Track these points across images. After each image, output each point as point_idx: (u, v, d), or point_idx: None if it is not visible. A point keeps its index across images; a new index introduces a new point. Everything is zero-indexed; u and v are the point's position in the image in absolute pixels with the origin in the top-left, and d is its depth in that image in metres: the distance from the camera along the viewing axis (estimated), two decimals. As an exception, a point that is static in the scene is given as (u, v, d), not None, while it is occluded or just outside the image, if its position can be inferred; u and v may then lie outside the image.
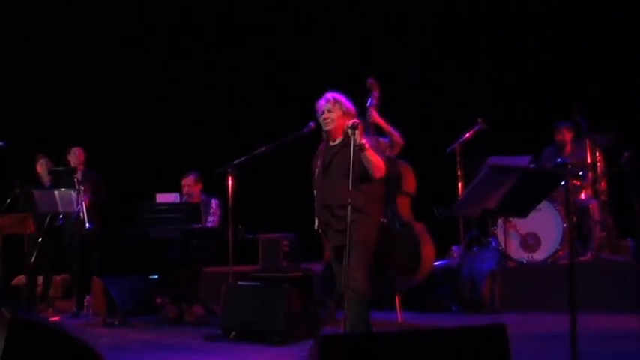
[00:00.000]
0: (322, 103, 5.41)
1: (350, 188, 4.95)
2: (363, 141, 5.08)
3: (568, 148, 8.38)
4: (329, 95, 5.42)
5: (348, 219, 4.94)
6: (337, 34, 10.58)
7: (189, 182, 8.23)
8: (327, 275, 6.89)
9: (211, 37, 11.24)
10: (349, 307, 5.06)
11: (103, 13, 11.00)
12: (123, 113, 10.96)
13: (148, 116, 11.05)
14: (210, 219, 8.04)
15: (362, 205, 5.18)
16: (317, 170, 5.49)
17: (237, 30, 11.20)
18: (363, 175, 5.17)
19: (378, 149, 5.37)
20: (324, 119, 5.41)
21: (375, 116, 6.77)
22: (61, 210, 8.21)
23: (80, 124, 10.46)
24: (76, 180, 8.18)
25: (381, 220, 5.70)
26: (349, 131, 5.08)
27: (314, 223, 5.65)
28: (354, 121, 5.12)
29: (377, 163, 5.16)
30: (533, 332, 6.20)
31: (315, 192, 5.58)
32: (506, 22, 9.97)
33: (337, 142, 5.45)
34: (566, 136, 8.39)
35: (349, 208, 4.95)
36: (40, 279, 8.86)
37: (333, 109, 5.36)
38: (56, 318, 8.00)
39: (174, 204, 7.83)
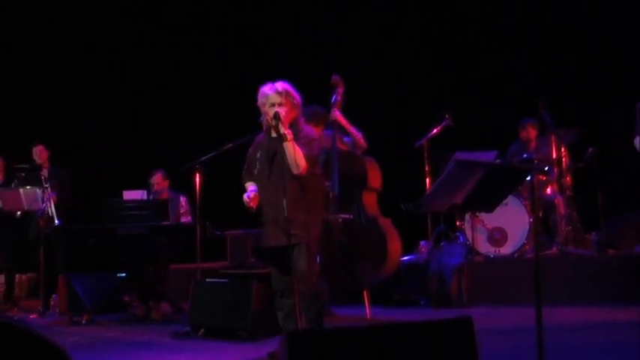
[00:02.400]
0: (270, 94, 4.92)
1: (287, 183, 4.71)
2: (287, 131, 4.79)
3: (533, 144, 8.47)
4: (278, 86, 4.95)
5: (287, 211, 4.64)
6: (303, 28, 10.57)
7: (157, 180, 8.18)
8: None
9: (176, 33, 11.17)
10: (308, 310, 4.80)
11: (63, 11, 10.87)
12: (89, 110, 10.86)
13: (115, 113, 10.96)
14: (183, 219, 8.00)
15: (304, 201, 4.86)
16: (258, 163, 5.05)
17: (200, 26, 11.15)
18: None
19: (307, 145, 4.91)
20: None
21: (338, 117, 6.81)
22: (25, 208, 8.13)
23: (46, 122, 10.34)
24: (43, 177, 8.09)
25: (324, 214, 5.33)
26: (272, 122, 4.81)
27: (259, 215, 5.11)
28: (276, 110, 4.81)
29: (296, 158, 4.79)
30: (500, 326, 6.26)
31: (247, 184, 5.18)
32: (472, 19, 10.04)
33: (278, 134, 4.94)
34: (531, 132, 8.48)
35: (287, 206, 4.65)
36: (2, 278, 8.76)
37: (285, 103, 4.88)
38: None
39: (141, 201, 7.78)
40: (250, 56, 10.74)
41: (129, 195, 7.89)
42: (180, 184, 7.99)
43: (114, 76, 11.02)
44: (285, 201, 4.68)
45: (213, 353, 5.70)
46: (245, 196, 5.06)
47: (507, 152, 8.52)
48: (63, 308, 7.81)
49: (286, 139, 4.77)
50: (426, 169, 8.29)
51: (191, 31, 11.15)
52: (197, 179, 6.66)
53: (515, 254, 7.90)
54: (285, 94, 4.91)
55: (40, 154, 8.68)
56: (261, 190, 5.05)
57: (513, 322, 6.39)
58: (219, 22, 11.12)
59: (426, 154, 8.29)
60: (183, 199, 8.11)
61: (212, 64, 11.08)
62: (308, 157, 4.86)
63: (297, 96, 4.97)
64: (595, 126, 8.36)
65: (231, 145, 6.57)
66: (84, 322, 7.29)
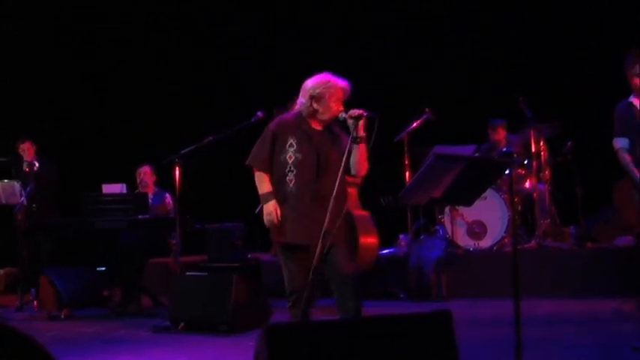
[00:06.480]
0: (343, 90, 4.75)
1: (337, 181, 4.49)
2: (363, 134, 4.62)
3: (502, 145, 8.48)
4: (347, 85, 4.78)
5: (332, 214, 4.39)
6: (282, 25, 10.55)
7: (144, 170, 8.17)
8: None
9: (158, 27, 11.12)
10: (357, 300, 4.66)
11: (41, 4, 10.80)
12: (70, 104, 10.80)
13: (95, 107, 10.91)
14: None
15: (344, 200, 4.73)
16: (292, 151, 4.71)
17: (183, 20, 11.11)
18: (348, 169, 4.65)
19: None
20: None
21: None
22: (3, 202, 8.07)
23: (26, 115, 10.28)
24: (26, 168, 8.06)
25: None
26: (351, 121, 4.58)
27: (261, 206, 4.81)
28: (360, 111, 4.58)
29: (366, 160, 4.71)
30: (479, 318, 6.30)
31: (262, 181, 4.78)
32: (452, 13, 10.07)
33: (323, 128, 4.78)
34: (501, 133, 8.58)
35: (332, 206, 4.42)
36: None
37: (343, 102, 4.75)
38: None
39: (120, 194, 7.74)
40: (232, 52, 10.72)
41: (108, 188, 7.85)
42: (161, 177, 7.97)
43: (95, 71, 10.96)
44: (332, 201, 4.44)
45: (193, 347, 5.69)
46: (267, 215, 4.72)
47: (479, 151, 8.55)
48: (41, 303, 7.76)
49: (362, 142, 4.61)
50: (406, 162, 8.31)
51: (174, 25, 11.10)
52: (177, 173, 6.63)
53: (495, 247, 7.94)
54: (349, 94, 4.77)
55: (28, 151, 8.62)
56: (298, 182, 4.70)
57: (492, 315, 6.42)
58: (207, 17, 11.09)
59: (405, 148, 8.31)
60: (168, 197, 8.08)
61: (194, 59, 11.04)
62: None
63: None
64: (574, 120, 8.41)
65: (211, 138, 6.56)
66: (63, 316, 7.25)
